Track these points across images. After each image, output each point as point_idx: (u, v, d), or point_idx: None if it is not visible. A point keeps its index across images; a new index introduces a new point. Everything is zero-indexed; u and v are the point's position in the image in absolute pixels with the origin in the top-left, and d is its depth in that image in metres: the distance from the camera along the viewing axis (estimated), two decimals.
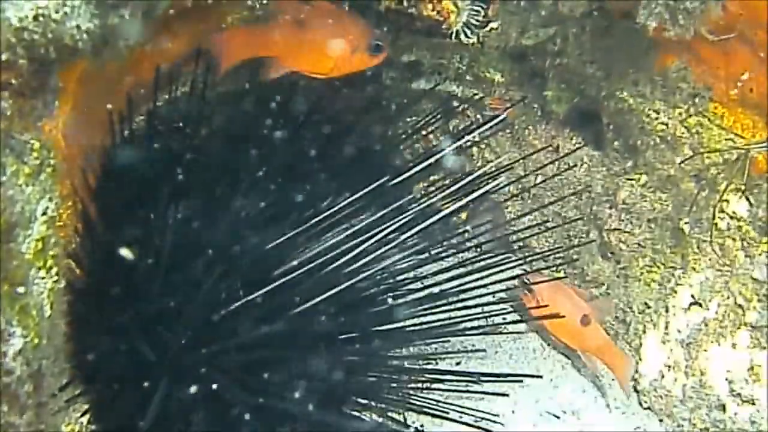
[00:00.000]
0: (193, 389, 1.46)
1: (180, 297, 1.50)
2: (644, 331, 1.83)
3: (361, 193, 1.58)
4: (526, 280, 1.82)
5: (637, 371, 1.84)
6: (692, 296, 1.75)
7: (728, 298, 1.70)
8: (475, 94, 1.95)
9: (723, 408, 1.69)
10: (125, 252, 1.46)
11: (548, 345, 1.94)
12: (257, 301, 1.50)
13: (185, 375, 1.48)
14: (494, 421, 1.73)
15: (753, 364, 1.65)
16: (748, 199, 1.67)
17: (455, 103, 2.00)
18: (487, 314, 1.80)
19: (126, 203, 1.57)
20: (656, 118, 1.74)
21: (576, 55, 1.76)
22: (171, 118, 1.68)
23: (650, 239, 1.83)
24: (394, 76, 2.00)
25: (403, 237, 1.56)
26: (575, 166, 1.92)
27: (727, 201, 1.69)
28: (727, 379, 1.69)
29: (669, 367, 1.78)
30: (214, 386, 1.46)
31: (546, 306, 1.78)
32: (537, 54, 1.81)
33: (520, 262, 1.96)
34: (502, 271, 1.79)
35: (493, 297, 1.83)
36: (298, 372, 1.55)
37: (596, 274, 1.93)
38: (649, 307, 1.83)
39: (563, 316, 1.75)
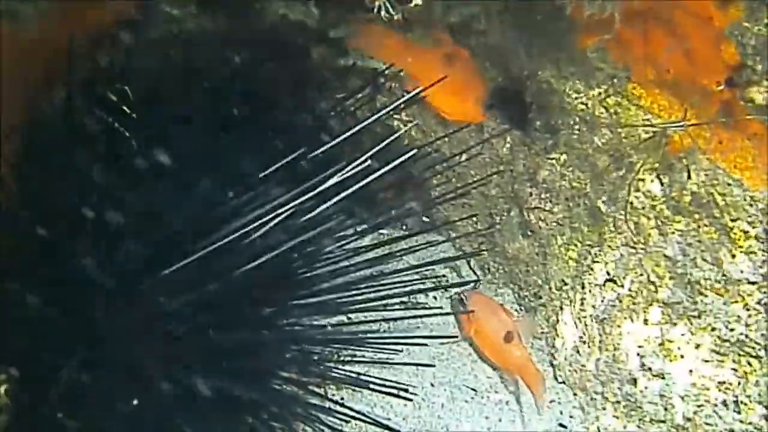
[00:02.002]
0: (110, 359, 1.46)
1: (101, 264, 1.49)
2: (561, 308, 1.87)
3: (283, 163, 1.58)
4: (462, 295, 1.88)
5: (553, 346, 1.87)
6: (607, 273, 1.79)
7: (641, 275, 1.74)
8: (401, 71, 1.96)
9: (634, 382, 1.72)
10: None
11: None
12: (180, 270, 1.50)
13: (102, 344, 1.47)
14: (412, 392, 1.75)
15: (664, 340, 1.69)
16: (661, 179, 1.71)
17: (381, 80, 2.01)
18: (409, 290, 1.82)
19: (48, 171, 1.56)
20: (576, 98, 1.77)
21: (499, 34, 1.79)
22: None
23: (568, 217, 1.86)
24: (321, 51, 2.01)
25: (323, 207, 1.57)
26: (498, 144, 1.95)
27: (642, 180, 1.72)
28: (638, 354, 1.72)
29: (584, 342, 1.82)
30: (132, 356, 1.46)
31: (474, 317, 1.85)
32: (462, 32, 1.82)
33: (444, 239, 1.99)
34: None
35: (417, 274, 1.86)
36: (218, 344, 1.56)
37: (516, 251, 1.96)
38: (566, 284, 1.86)
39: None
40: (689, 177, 1.64)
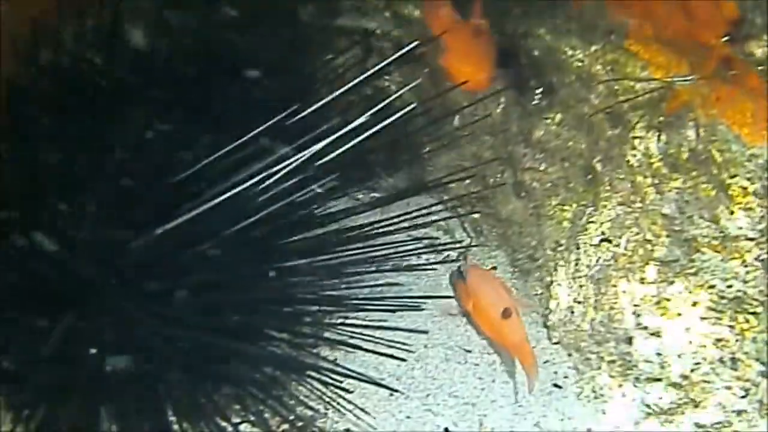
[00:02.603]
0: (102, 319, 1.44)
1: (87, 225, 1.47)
2: (555, 269, 1.85)
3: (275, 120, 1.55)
4: (461, 268, 1.85)
5: (547, 308, 1.86)
6: (602, 233, 1.78)
7: (638, 233, 1.73)
8: (391, 31, 1.94)
9: (630, 341, 1.71)
10: None
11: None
12: (171, 229, 1.48)
13: (95, 304, 1.45)
14: (407, 350, 1.74)
15: (660, 298, 1.68)
16: (659, 136, 1.69)
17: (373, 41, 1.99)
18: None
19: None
20: (572, 56, 1.75)
21: None
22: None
23: (563, 177, 1.85)
24: (312, 12, 1.98)
25: (318, 163, 1.54)
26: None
27: (639, 138, 1.71)
28: (634, 313, 1.71)
29: (578, 302, 1.80)
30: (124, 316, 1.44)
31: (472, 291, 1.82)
32: None
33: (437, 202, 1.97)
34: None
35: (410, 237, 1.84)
36: (211, 302, 1.54)
37: (510, 213, 1.95)
38: (560, 245, 1.85)
39: None
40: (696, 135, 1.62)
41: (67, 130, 1.56)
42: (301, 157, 1.56)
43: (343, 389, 1.60)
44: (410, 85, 1.83)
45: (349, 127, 1.59)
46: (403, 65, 1.92)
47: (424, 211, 1.91)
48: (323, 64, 1.99)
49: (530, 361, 1.74)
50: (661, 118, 1.69)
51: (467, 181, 2.00)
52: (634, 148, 1.72)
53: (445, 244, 2.00)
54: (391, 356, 1.68)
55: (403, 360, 1.74)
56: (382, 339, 1.71)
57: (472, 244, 2.04)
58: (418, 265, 1.94)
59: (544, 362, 1.82)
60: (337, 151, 1.59)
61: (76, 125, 1.55)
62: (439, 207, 1.98)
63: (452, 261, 1.98)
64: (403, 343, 1.74)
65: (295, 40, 1.99)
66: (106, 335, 1.46)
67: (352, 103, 1.78)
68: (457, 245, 2.01)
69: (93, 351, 1.43)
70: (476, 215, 2.02)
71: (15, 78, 1.59)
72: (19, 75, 1.60)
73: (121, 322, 1.46)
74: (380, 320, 1.74)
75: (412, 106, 1.54)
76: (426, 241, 1.93)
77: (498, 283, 1.83)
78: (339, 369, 1.60)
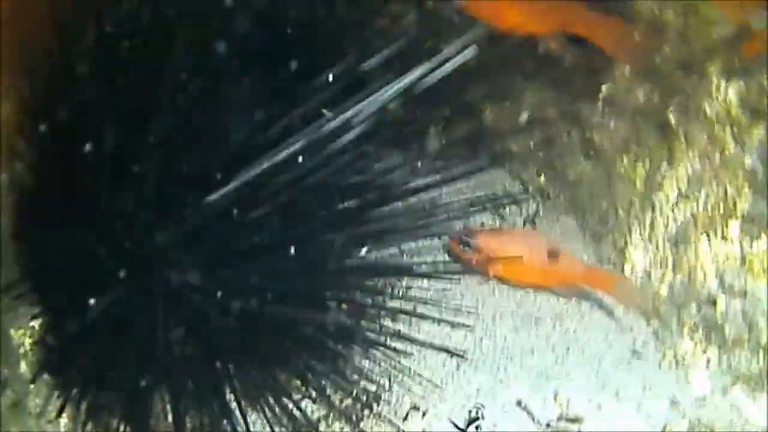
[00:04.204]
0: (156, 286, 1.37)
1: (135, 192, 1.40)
2: (629, 231, 1.75)
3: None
4: (463, 238, 1.70)
5: (622, 271, 1.76)
6: (679, 190, 1.67)
7: (718, 188, 1.62)
8: None
9: (714, 303, 1.61)
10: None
11: None
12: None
13: (146, 270, 1.38)
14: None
15: (745, 256, 1.58)
16: (738, 83, 1.58)
17: None
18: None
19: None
20: (643, 2, 1.65)
21: None
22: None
23: (635, 134, 1.74)
24: None
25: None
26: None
27: (716, 86, 1.60)
28: (717, 274, 1.61)
29: (656, 265, 1.70)
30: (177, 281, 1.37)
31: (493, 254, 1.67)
32: None
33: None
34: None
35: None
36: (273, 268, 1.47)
37: (578, 174, 1.85)
38: (634, 206, 1.75)
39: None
40: None
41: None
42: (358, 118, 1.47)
43: (406, 354, 1.51)
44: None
45: (406, 81, 1.50)
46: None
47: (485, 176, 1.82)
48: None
49: (610, 280, 1.65)
50: (739, 63, 1.57)
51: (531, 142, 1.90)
52: (710, 96, 1.61)
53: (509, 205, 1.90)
54: (459, 324, 1.59)
55: (469, 328, 1.65)
56: (447, 308, 1.62)
57: (539, 209, 1.93)
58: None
59: (621, 330, 1.72)
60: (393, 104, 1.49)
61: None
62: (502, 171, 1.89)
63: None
64: (470, 312, 1.65)
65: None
66: (158, 309, 1.39)
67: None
68: (523, 211, 1.91)
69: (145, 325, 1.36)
70: (542, 179, 1.91)
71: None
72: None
73: (175, 293, 1.39)
74: (444, 289, 1.66)
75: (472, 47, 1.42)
76: (490, 207, 1.84)
77: (517, 232, 1.74)
78: (403, 338, 1.52)
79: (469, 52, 1.40)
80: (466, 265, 1.71)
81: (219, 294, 1.37)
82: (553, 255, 1.65)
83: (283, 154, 1.42)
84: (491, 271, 1.73)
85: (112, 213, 1.36)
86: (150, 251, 1.35)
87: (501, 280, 1.78)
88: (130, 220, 1.35)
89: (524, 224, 1.91)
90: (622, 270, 1.76)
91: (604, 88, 1.76)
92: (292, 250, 1.47)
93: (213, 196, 1.38)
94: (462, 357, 1.64)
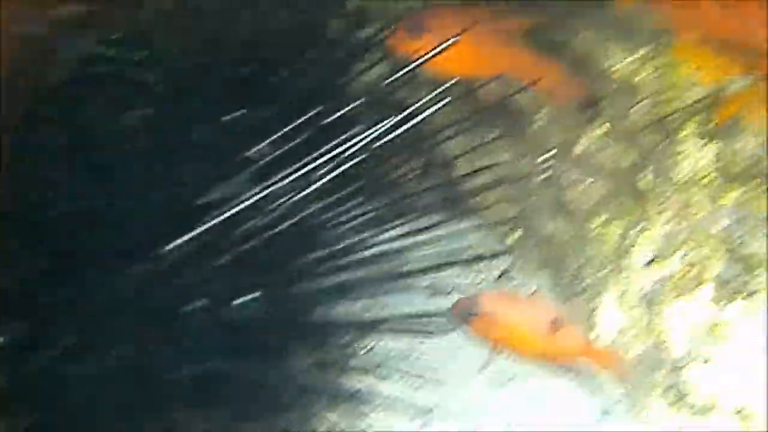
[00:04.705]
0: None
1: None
2: (602, 291, 1.74)
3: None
4: (467, 300, 1.64)
5: (594, 332, 1.74)
6: (652, 251, 1.66)
7: (690, 252, 1.61)
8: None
9: (684, 368, 1.59)
10: None
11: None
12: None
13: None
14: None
15: (716, 321, 1.56)
16: (712, 146, 1.58)
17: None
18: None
19: None
20: (616, 63, 1.65)
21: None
22: None
23: (609, 193, 1.73)
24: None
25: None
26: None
27: (690, 148, 1.59)
28: (688, 338, 1.59)
29: (627, 327, 1.68)
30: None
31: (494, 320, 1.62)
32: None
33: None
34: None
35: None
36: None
37: (552, 231, 1.83)
38: (607, 265, 1.73)
39: None
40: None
41: None
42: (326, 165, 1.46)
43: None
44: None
45: (375, 131, 1.49)
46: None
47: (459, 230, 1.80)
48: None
49: (612, 359, 1.62)
50: (714, 126, 1.57)
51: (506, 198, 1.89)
52: (684, 159, 1.61)
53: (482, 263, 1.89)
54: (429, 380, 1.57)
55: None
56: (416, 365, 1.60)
57: (512, 265, 1.92)
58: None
59: (592, 390, 1.70)
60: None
61: None
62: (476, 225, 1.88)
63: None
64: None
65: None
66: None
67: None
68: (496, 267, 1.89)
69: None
70: (516, 234, 1.90)
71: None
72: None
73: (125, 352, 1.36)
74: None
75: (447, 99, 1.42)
76: (463, 263, 1.82)
77: (521, 299, 1.71)
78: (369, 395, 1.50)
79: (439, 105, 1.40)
80: (469, 330, 1.66)
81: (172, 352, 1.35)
82: (556, 325, 1.59)
83: (241, 206, 1.41)
84: (492, 337, 1.67)
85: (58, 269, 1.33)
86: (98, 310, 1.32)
87: (501, 347, 1.71)
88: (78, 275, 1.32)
89: (497, 279, 1.89)
90: (595, 329, 1.74)
91: (577, 146, 1.74)
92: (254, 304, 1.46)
93: (168, 247, 1.36)
94: (429, 413, 1.61)
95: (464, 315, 1.63)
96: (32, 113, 1.37)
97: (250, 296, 1.40)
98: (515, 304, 1.68)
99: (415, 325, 1.63)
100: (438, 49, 1.52)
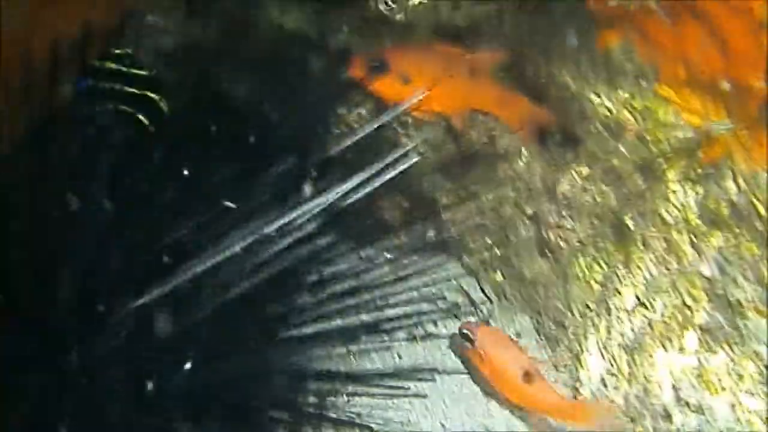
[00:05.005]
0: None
1: None
2: (585, 336, 1.70)
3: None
4: (466, 331, 1.69)
5: (577, 379, 1.70)
6: (636, 296, 1.63)
7: (675, 297, 1.57)
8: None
9: (669, 418, 1.55)
10: None
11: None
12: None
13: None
14: None
15: (702, 370, 1.52)
16: (695, 189, 1.54)
17: None
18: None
19: None
20: (599, 103, 1.61)
21: (513, 36, 1.63)
22: None
23: (592, 235, 1.70)
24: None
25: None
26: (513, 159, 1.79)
27: (673, 191, 1.56)
28: (673, 386, 1.56)
29: (611, 374, 1.65)
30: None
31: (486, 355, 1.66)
32: (470, 33, 1.67)
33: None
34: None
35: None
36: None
37: (535, 273, 1.80)
38: (590, 310, 1.70)
39: None
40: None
41: None
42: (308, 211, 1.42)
43: None
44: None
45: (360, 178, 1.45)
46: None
47: (441, 273, 1.76)
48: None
49: (582, 416, 1.59)
50: (698, 169, 1.54)
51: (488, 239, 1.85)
52: (668, 202, 1.57)
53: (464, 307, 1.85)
54: None
55: None
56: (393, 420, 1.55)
57: (494, 308, 1.88)
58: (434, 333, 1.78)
59: None
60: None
61: None
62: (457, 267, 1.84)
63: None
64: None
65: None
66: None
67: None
68: (478, 310, 1.85)
69: None
70: (498, 276, 1.86)
71: None
72: None
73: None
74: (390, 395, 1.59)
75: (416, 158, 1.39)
76: (443, 306, 1.78)
77: (511, 343, 1.69)
78: None
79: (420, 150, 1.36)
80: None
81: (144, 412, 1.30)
82: (527, 379, 1.61)
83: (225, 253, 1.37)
84: (484, 372, 1.68)
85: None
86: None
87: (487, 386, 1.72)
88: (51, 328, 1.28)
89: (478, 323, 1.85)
90: (578, 376, 1.70)
91: (559, 186, 1.71)
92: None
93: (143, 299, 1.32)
94: None
95: (461, 341, 1.68)
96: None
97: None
98: (500, 342, 1.68)
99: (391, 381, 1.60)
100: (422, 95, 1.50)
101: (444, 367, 1.73)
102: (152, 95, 1.53)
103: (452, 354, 1.78)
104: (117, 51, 1.51)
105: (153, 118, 1.53)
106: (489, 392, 1.71)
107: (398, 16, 1.59)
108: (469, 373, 1.73)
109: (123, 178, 1.40)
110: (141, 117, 1.50)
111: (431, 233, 1.85)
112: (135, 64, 1.53)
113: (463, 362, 1.75)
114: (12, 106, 1.36)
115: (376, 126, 1.50)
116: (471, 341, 1.67)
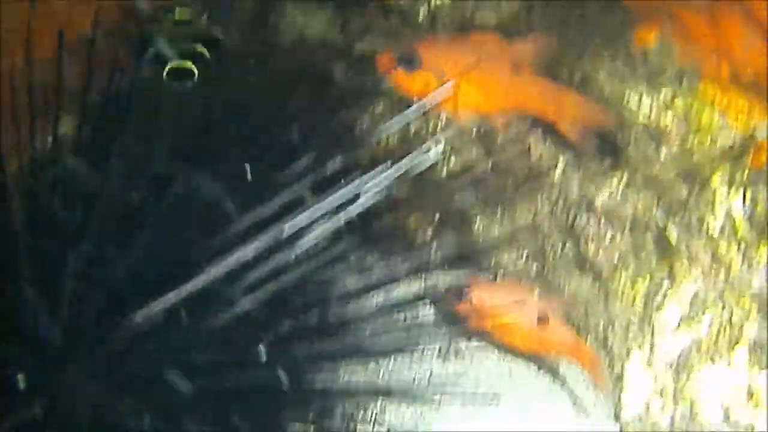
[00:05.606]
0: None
1: None
2: (628, 354, 1.61)
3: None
4: (455, 288, 1.62)
5: (620, 400, 1.61)
6: (681, 311, 1.54)
7: (723, 311, 1.49)
8: None
9: None
10: None
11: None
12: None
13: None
14: None
15: (751, 386, 1.43)
16: (743, 196, 1.46)
17: None
18: None
19: None
20: (638, 106, 1.54)
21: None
22: None
23: (633, 248, 1.62)
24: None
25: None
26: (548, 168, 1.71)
27: (720, 199, 1.48)
28: (722, 405, 1.47)
29: (656, 393, 1.56)
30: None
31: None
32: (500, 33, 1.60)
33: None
34: None
35: None
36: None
37: (574, 289, 1.71)
38: (633, 326, 1.61)
39: None
40: None
41: None
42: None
43: None
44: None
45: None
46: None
47: None
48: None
49: (591, 360, 1.59)
50: (745, 175, 1.46)
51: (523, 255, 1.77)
52: (713, 211, 1.49)
53: None
54: None
55: None
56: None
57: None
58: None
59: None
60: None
61: None
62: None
63: None
64: None
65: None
66: None
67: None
68: None
69: None
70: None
71: None
72: None
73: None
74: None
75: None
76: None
77: (513, 288, 1.66)
78: None
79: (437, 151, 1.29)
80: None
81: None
82: (541, 320, 1.58)
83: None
84: (480, 325, 1.61)
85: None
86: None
87: (486, 335, 1.67)
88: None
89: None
90: (620, 397, 1.61)
91: (599, 197, 1.63)
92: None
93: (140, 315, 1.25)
94: None
95: (454, 298, 1.61)
96: None
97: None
98: (506, 295, 1.61)
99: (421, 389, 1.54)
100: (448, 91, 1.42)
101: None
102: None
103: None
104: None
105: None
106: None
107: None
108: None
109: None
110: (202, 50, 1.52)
111: (462, 246, 1.79)
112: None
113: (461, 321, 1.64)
114: None
115: (405, 124, 1.44)
116: (465, 296, 1.60)
